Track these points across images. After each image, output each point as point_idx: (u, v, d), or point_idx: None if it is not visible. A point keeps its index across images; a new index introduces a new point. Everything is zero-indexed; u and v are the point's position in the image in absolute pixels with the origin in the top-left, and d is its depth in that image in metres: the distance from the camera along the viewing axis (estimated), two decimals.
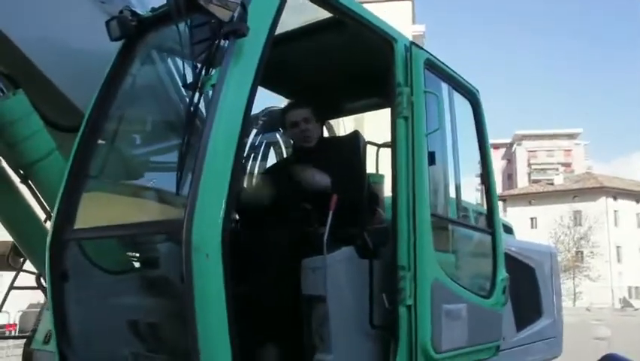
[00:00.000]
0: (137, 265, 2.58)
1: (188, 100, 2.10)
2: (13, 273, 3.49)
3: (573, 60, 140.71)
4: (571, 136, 74.77)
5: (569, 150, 74.09)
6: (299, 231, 2.53)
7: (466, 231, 3.41)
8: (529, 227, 45.61)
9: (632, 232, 48.58)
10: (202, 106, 2.09)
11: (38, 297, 2.78)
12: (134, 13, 2.39)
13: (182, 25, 2.03)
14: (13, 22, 2.62)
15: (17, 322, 13.16)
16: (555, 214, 44.59)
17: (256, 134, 3.99)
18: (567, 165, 71.86)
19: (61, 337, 2.36)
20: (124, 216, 2.46)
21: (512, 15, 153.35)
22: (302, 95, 3.58)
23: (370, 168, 3.17)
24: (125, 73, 2.51)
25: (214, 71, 1.98)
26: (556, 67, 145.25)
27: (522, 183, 68.51)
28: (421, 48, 2.83)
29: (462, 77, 3.18)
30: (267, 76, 2.14)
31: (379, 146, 3.36)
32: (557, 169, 67.71)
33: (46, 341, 3.11)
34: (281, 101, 3.93)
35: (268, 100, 4.03)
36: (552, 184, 53.81)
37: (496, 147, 72.92)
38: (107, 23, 2.39)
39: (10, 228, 2.95)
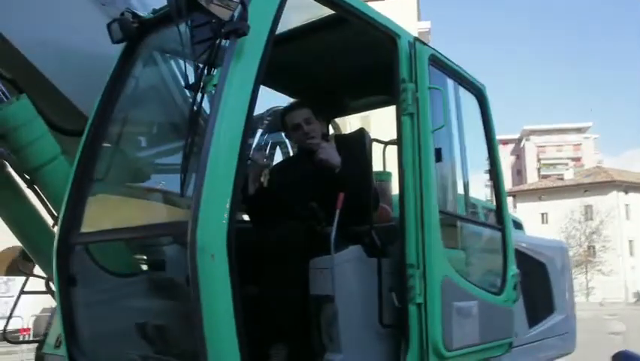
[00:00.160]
0: (143, 267, 2.58)
1: (190, 101, 2.10)
2: (24, 278, 3.50)
3: (580, 54, 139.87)
4: (580, 130, 74.14)
5: (579, 145, 73.45)
6: (306, 229, 2.51)
7: (475, 227, 3.39)
8: (540, 222, 45.34)
9: None
10: (205, 106, 2.08)
11: (51, 301, 2.78)
12: (135, 15, 2.39)
13: (183, 26, 2.02)
14: (14, 26, 2.62)
15: (31, 326, 13.26)
16: (566, 209, 44.21)
17: (262, 134, 3.98)
18: (577, 159, 71.26)
19: (71, 341, 2.36)
20: (129, 218, 2.46)
21: (519, 9, 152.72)
22: (306, 94, 3.56)
23: (377, 166, 3.14)
24: (127, 75, 2.52)
25: (216, 70, 1.97)
26: (563, 61, 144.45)
27: (531, 178, 68.03)
28: (426, 44, 2.80)
29: (468, 73, 3.15)
30: (270, 75, 2.13)
31: (386, 143, 3.33)
32: (567, 164, 67.08)
33: (57, 346, 3.10)
34: (286, 101, 3.91)
35: (273, 99, 4.02)
36: (562, 179, 53.39)
37: (505, 142, 72.55)
38: (109, 26, 2.39)
39: (18, 233, 2.95)
